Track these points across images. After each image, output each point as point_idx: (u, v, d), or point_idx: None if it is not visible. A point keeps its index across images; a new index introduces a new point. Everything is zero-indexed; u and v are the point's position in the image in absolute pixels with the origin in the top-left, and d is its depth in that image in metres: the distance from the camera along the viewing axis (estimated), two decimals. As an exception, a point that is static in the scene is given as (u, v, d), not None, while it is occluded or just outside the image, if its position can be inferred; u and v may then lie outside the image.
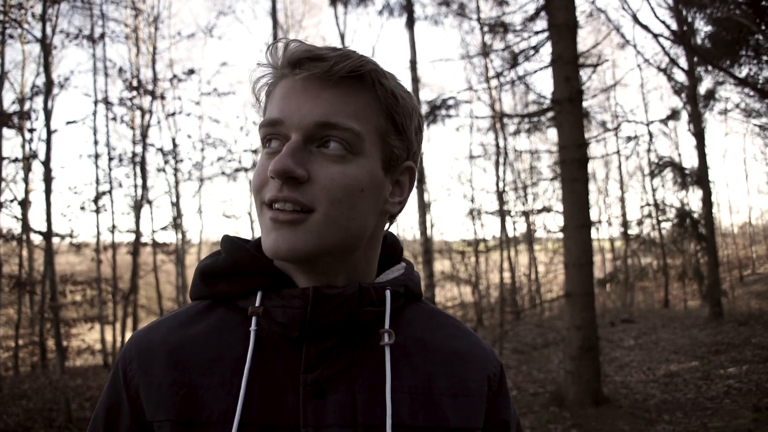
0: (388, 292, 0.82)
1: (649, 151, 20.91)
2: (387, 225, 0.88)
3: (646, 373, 9.01)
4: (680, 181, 15.33)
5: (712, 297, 14.63)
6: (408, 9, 10.80)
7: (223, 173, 11.38)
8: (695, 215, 15.39)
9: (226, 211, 22.99)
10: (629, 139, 18.37)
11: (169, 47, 12.03)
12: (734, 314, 15.34)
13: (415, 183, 0.89)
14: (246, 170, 12.41)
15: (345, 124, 0.75)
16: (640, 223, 20.80)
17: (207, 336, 0.80)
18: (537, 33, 8.74)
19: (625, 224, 25.33)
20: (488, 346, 0.94)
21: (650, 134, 18.53)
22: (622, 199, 25.85)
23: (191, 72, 8.94)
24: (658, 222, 20.35)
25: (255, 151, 12.23)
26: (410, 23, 10.88)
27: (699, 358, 9.82)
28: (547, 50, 8.31)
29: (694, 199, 19.65)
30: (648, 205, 21.05)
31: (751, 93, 17.13)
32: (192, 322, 0.82)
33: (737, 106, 18.75)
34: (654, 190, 22.22)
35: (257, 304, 0.78)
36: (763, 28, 12.26)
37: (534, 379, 9.17)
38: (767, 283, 21.53)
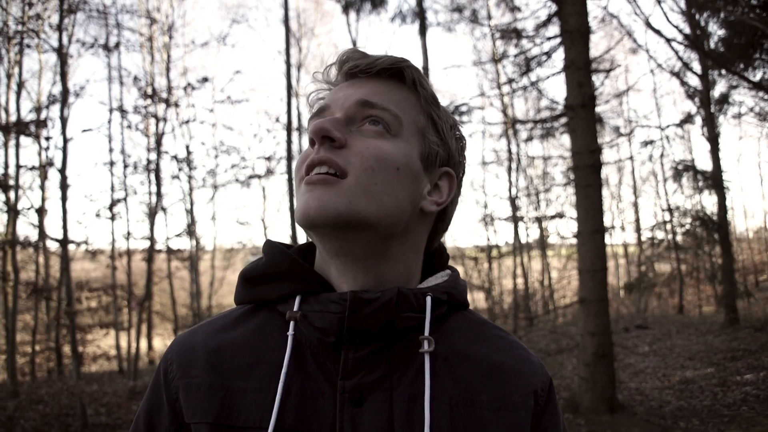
0: (428, 299, 0.79)
1: (662, 156, 20.81)
2: (429, 229, 0.88)
3: (662, 380, 8.94)
4: (700, 185, 15.20)
5: (728, 303, 14.50)
6: (420, 16, 10.84)
7: (236, 180, 11.47)
8: (714, 219, 15.27)
9: (240, 217, 23.14)
10: (645, 144, 18.29)
11: (183, 56, 12.20)
12: (750, 320, 15.18)
13: (459, 194, 0.91)
14: (259, 177, 12.51)
15: (384, 105, 0.80)
16: (657, 227, 20.66)
17: (246, 340, 0.81)
18: (549, 39, 8.73)
19: (638, 230, 25.19)
20: (537, 359, 0.89)
21: (667, 138, 18.43)
22: (635, 205, 25.72)
23: (205, 80, 9.03)
24: (672, 227, 20.22)
25: (269, 159, 12.33)
26: (422, 30, 10.92)
27: (715, 364, 9.73)
28: (559, 56, 8.35)
29: (710, 203, 19.48)
30: (664, 210, 20.91)
31: (766, 97, 17.01)
32: (233, 325, 0.83)
33: (751, 110, 18.61)
34: (667, 195, 22.06)
35: (295, 308, 0.78)
36: (778, 31, 12.18)
37: (548, 386, 9.14)
38: (753, 297, 21.28)
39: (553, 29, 8.76)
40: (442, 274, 0.89)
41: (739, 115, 19.39)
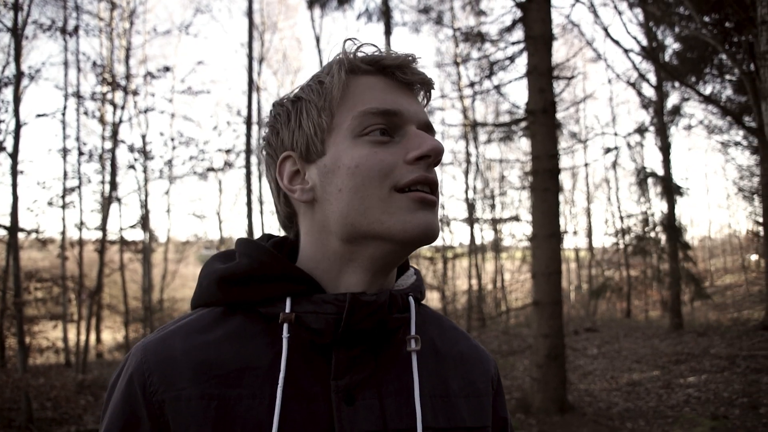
0: (411, 299, 0.84)
1: (616, 164, 21.33)
2: None
3: (610, 382, 9.18)
4: (660, 191, 15.66)
5: (673, 308, 14.98)
6: (386, 15, 10.86)
7: (194, 172, 11.28)
8: (675, 224, 15.76)
9: (195, 210, 22.78)
10: (608, 150, 18.72)
11: (143, 43, 11.90)
12: (693, 325, 15.73)
13: None
14: (218, 170, 12.33)
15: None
16: (614, 233, 21.21)
17: (230, 345, 0.76)
18: (513, 44, 8.87)
19: (590, 235, 25.79)
20: (483, 347, 0.98)
21: (629, 146, 18.93)
22: (588, 210, 26.32)
23: (166, 69, 8.83)
24: (624, 233, 20.75)
25: (228, 152, 12.17)
26: (388, 30, 10.95)
27: (660, 367, 10.05)
28: (522, 61, 8.46)
29: (662, 210, 20.00)
30: (622, 216, 21.46)
31: (715, 110, 17.59)
32: (208, 330, 0.78)
33: (701, 122, 19.22)
34: (619, 202, 22.67)
35: (288, 310, 0.76)
36: (727, 48, 12.62)
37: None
38: (724, 296, 22.08)
39: (517, 35, 8.91)
40: (409, 273, 0.93)
41: (689, 127, 20.03)
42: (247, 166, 11.42)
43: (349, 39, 0.83)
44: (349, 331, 0.75)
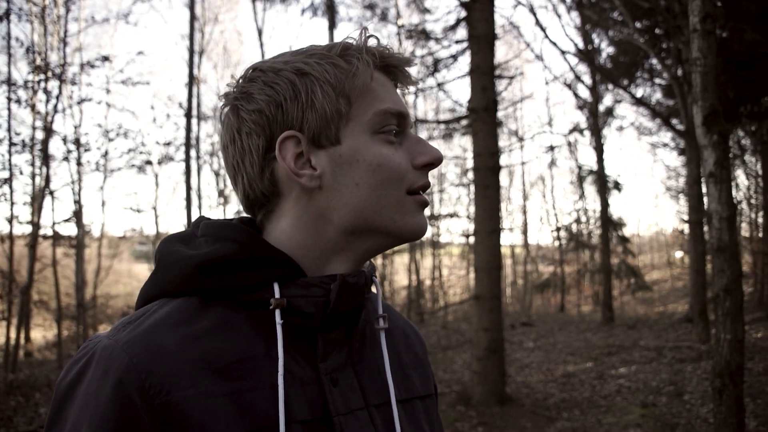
0: (376, 279, 0.88)
1: (552, 163, 21.92)
2: None
3: (546, 374, 9.46)
4: (597, 189, 16.18)
5: (605, 302, 15.54)
6: (331, 10, 10.85)
7: (132, 165, 10.97)
8: (609, 220, 16.31)
9: (131, 204, 22.14)
10: (551, 148, 19.22)
11: (79, 31, 11.47)
12: (624, 319, 16.37)
13: None
14: (157, 163, 12.06)
15: None
16: (555, 229, 21.82)
17: (220, 336, 0.73)
18: (457, 42, 9.01)
19: (525, 231, 26.41)
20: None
21: (569, 144, 19.49)
22: (523, 208, 26.93)
23: (105, 59, 8.55)
24: (559, 229, 21.34)
25: (168, 144, 11.90)
26: (332, 25, 10.95)
27: (593, 359, 10.42)
28: (465, 60, 8.59)
29: (596, 208, 20.68)
30: (568, 212, 22.06)
31: (645, 112, 18.29)
32: (194, 322, 0.73)
33: (632, 124, 19.93)
34: (554, 200, 23.32)
35: (277, 295, 0.74)
36: (658, 53, 13.15)
37: (440, 380, 9.42)
38: (651, 291, 23.00)
39: (461, 33, 9.05)
40: None
41: (621, 128, 20.77)
42: (187, 159, 11.20)
43: (365, 28, 0.82)
44: (336, 313, 0.77)
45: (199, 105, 16.02)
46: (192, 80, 11.37)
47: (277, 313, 0.74)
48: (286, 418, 0.71)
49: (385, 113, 0.79)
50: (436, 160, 0.82)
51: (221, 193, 18.85)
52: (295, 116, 0.77)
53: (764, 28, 13.16)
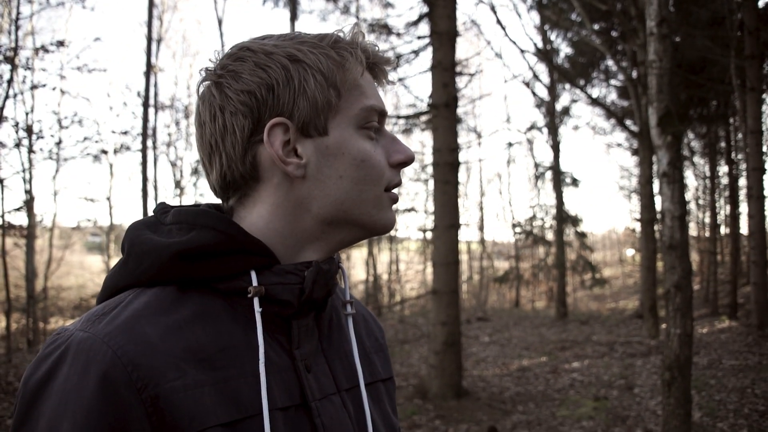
0: (342, 266, 0.89)
1: (509, 161, 22.22)
2: None
3: (501, 368, 9.60)
4: (557, 185, 16.47)
5: (559, 298, 15.84)
6: (293, 1, 10.75)
7: (88, 154, 10.70)
8: (573, 216, 16.62)
9: (86, 194, 21.60)
10: (510, 144, 19.49)
11: (32, 14, 11.11)
12: (577, 315, 16.73)
13: None
14: (114, 152, 11.79)
15: None
16: (513, 226, 22.19)
17: (201, 326, 0.72)
18: (419, 38, 9.04)
19: (482, 227, 26.71)
20: None
21: (528, 142, 19.79)
22: (480, 204, 27.23)
23: (60, 44, 8.32)
24: (514, 225, 21.64)
25: (125, 133, 11.62)
26: (294, 16, 10.86)
27: (547, 353, 10.63)
28: (426, 55, 8.64)
29: (553, 204, 21.04)
30: (531, 206, 22.38)
31: (600, 112, 18.69)
32: (173, 312, 0.71)
33: (588, 123, 20.31)
34: (510, 195, 23.72)
35: (255, 283, 0.74)
36: (614, 55, 13.45)
37: (397, 373, 9.47)
38: (603, 288, 23.55)
39: (423, 29, 9.07)
40: None
41: (577, 127, 21.17)
42: (144, 149, 10.96)
43: (357, 24, 0.83)
44: (309, 299, 0.78)
45: (156, 94, 15.71)
46: (150, 69, 11.14)
47: (256, 301, 0.74)
48: (269, 405, 0.71)
49: (371, 110, 0.80)
50: (410, 159, 0.84)
51: (178, 184, 18.55)
52: (286, 102, 0.76)
53: (714, 34, 13.57)
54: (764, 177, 11.03)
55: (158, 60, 17.27)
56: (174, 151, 19.26)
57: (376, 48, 0.83)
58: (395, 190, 0.84)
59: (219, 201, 0.86)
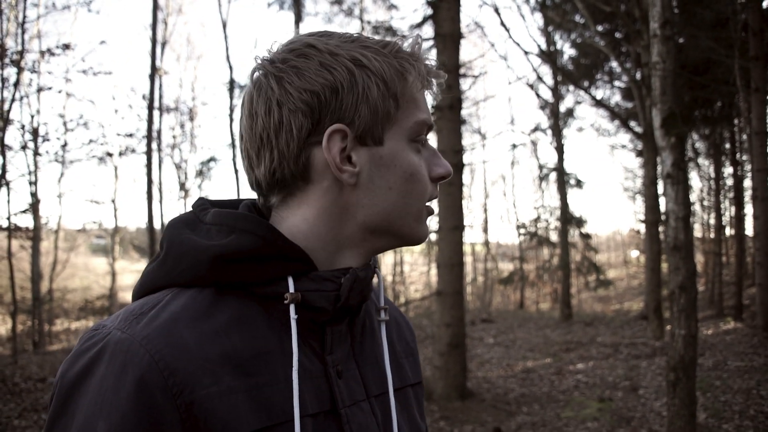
0: (378, 271, 0.88)
1: (513, 162, 22.21)
2: None
3: (506, 369, 9.61)
4: (561, 186, 16.48)
5: (564, 299, 15.83)
6: (298, 4, 10.79)
7: (93, 156, 10.75)
8: (577, 217, 16.62)
9: (90, 197, 21.68)
10: (514, 146, 19.50)
11: (38, 17, 11.18)
12: (582, 316, 16.71)
13: None
14: (120, 155, 11.82)
15: None
16: (517, 227, 22.21)
17: (238, 331, 0.72)
18: (423, 40, 9.05)
19: (486, 229, 26.70)
20: None
21: (533, 144, 19.81)
22: (484, 206, 27.23)
23: (66, 47, 8.37)
24: (518, 227, 21.63)
25: (130, 136, 11.66)
26: (298, 19, 10.89)
27: (552, 355, 10.62)
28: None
29: (558, 205, 21.02)
30: (537, 207, 22.38)
31: (605, 114, 18.67)
32: (211, 316, 0.72)
33: (592, 125, 20.31)
34: (514, 197, 23.75)
35: (292, 290, 0.74)
36: (618, 56, 13.44)
37: (402, 374, 9.50)
38: (608, 289, 23.51)
39: (427, 31, 9.09)
40: None
41: (581, 129, 21.15)
42: (149, 152, 10.99)
43: (419, 36, 0.82)
44: (345, 306, 0.77)
45: (161, 97, 15.76)
46: (154, 71, 11.19)
47: (292, 308, 0.74)
48: (300, 413, 0.72)
49: (423, 124, 0.81)
50: (449, 174, 0.84)
51: (182, 186, 18.60)
52: (348, 107, 0.75)
53: (718, 36, 13.55)
54: (769, 178, 11.00)
55: (163, 63, 17.38)
56: (179, 153, 19.31)
57: (433, 62, 0.83)
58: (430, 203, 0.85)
59: (256, 196, 0.85)
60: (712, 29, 13.61)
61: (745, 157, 16.72)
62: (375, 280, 0.92)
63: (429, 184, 0.82)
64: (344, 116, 0.75)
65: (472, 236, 28.83)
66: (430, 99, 0.87)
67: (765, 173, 10.96)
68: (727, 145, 18.99)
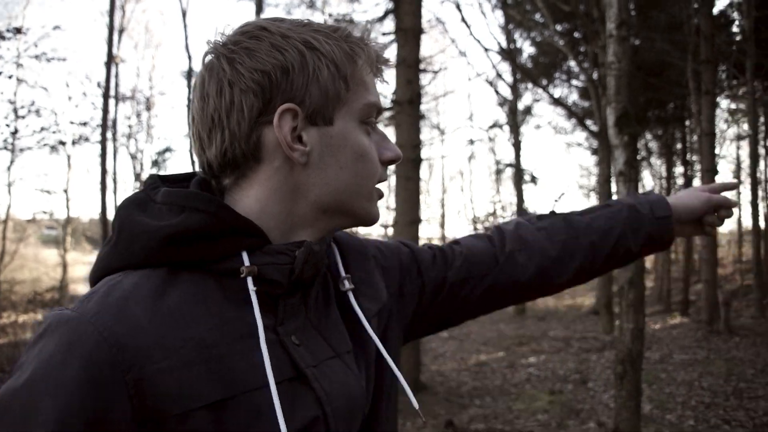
0: (334, 245, 0.92)
1: (471, 157, 22.43)
2: None
3: (459, 363, 9.72)
4: (518, 182, 16.70)
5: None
6: (260, -6, 10.69)
7: (45, 145, 10.41)
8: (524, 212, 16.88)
9: (42, 186, 21.08)
10: (471, 141, 19.66)
11: (-14, -1, 10.78)
12: (535, 310, 16.99)
13: None
14: (73, 143, 11.53)
15: None
16: (473, 221, 22.38)
17: (193, 306, 0.72)
18: (384, 34, 9.07)
19: (443, 224, 26.94)
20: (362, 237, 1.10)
21: (490, 139, 20.00)
22: (442, 201, 27.46)
23: (18, 31, 8.10)
24: (474, 222, 21.86)
25: (85, 124, 11.36)
26: (259, 9, 10.76)
27: (505, 348, 10.79)
28: (391, 52, 8.64)
29: (513, 200, 21.30)
30: (471, 206, 22.59)
31: (562, 112, 18.99)
32: (164, 293, 0.72)
33: (549, 123, 20.67)
34: (471, 192, 24.01)
35: (247, 263, 0.75)
36: (576, 56, 13.67)
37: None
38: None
39: (388, 26, 9.12)
40: None
41: (538, 126, 21.48)
42: (103, 141, 10.72)
43: (368, 22, 0.85)
44: (299, 279, 0.78)
45: (117, 85, 15.46)
46: (111, 59, 10.92)
47: (250, 280, 0.74)
48: (260, 382, 0.72)
49: (373, 106, 0.83)
50: (398, 158, 0.86)
51: (138, 177, 18.25)
52: (299, 88, 0.76)
53: (672, 39, 13.88)
54: (716, 178, 11.35)
55: (120, 50, 16.97)
56: (134, 143, 18.95)
57: (383, 48, 0.85)
58: (378, 186, 0.87)
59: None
60: (667, 32, 13.96)
61: (695, 158, 17.21)
62: (337, 252, 0.93)
63: (379, 165, 0.85)
64: (295, 96, 0.76)
65: (429, 231, 29.02)
66: (380, 85, 0.88)
67: (713, 173, 11.30)
68: (679, 146, 19.53)
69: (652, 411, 6.24)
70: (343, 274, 0.91)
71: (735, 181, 1.30)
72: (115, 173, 16.26)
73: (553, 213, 1.18)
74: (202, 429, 0.68)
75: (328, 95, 0.78)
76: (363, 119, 0.82)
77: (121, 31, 16.98)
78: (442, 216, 27.24)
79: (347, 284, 0.90)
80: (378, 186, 0.86)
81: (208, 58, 0.80)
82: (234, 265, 0.75)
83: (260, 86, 0.75)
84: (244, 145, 0.77)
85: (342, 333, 0.86)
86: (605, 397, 6.89)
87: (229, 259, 0.75)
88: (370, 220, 0.86)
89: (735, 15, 16.62)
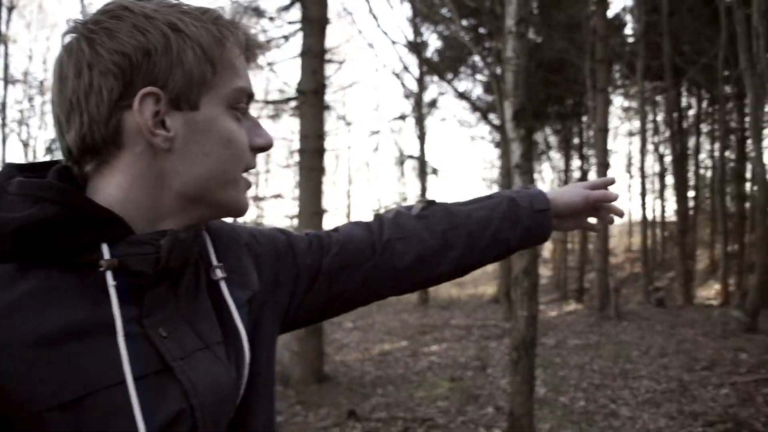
0: (205, 233, 0.87)
1: (376, 149, 22.59)
2: None
3: (363, 353, 9.79)
4: (422, 174, 16.92)
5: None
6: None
7: None
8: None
9: None
10: (373, 133, 19.73)
11: None
12: (438, 300, 17.37)
13: None
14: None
15: None
16: (376, 212, 22.63)
17: (41, 302, 0.68)
18: (290, 23, 8.94)
19: (349, 215, 27.04)
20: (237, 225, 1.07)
21: (392, 131, 20.15)
22: (348, 192, 27.55)
23: None
24: (374, 213, 22.13)
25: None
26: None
27: (408, 338, 10.95)
28: (296, 41, 8.54)
29: (417, 191, 21.61)
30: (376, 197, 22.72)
31: (466, 106, 19.43)
32: (7, 289, 0.67)
33: (454, 116, 21.08)
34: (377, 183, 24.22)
35: (107, 256, 0.71)
36: (480, 51, 14.01)
37: (260, 360, 9.41)
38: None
39: (295, 14, 8.97)
40: None
41: (443, 119, 21.88)
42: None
43: (237, 5, 0.81)
44: (165, 269, 0.75)
45: (7, 66, 14.42)
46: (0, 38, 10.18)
47: (109, 274, 0.71)
48: (119, 378, 0.68)
49: (242, 91, 0.80)
50: (270, 145, 0.84)
51: (27, 163, 17.20)
52: (161, 71, 0.73)
53: (572, 38, 14.47)
54: (608, 172, 11.96)
55: (9, 29, 15.87)
56: (26, 129, 17.84)
57: (254, 32, 0.83)
58: (245, 175, 0.84)
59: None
60: (567, 31, 14.56)
61: (590, 152, 18.06)
62: (208, 240, 0.88)
63: (248, 152, 0.81)
64: (157, 79, 0.72)
65: (334, 222, 29.07)
66: (254, 71, 0.85)
67: (605, 167, 11.90)
68: (576, 140, 20.45)
69: (546, 394, 6.51)
70: (215, 262, 0.87)
71: (612, 177, 1.33)
72: (4, 161, 15.24)
73: (433, 202, 1.17)
74: (60, 430, 0.65)
75: (193, 79, 0.74)
76: (232, 104, 0.79)
77: (11, 9, 15.83)
78: (348, 207, 27.32)
79: (219, 273, 0.86)
80: (246, 176, 0.83)
81: (68, 38, 0.75)
82: (93, 257, 0.71)
83: (120, 68, 0.71)
84: (103, 129, 0.72)
85: (213, 323, 0.83)
86: (503, 382, 7.12)
87: (89, 252, 0.71)
88: (238, 210, 0.83)
89: (628, 18, 17.55)
